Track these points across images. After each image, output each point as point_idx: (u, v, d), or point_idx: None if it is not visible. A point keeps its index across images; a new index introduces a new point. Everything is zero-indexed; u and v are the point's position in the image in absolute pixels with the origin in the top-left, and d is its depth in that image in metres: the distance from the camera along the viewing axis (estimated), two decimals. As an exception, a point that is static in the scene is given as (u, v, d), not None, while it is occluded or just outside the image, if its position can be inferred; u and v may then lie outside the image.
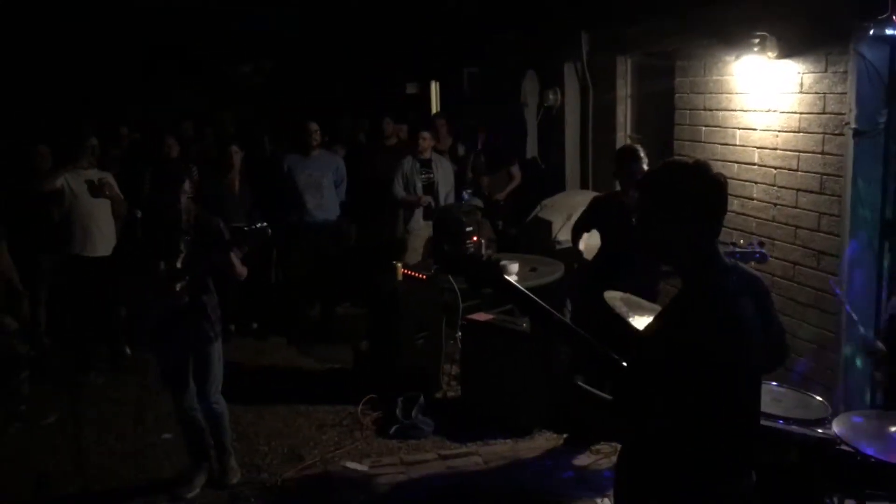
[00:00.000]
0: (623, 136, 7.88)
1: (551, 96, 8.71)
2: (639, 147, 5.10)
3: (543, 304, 2.38)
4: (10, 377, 5.63)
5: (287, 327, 7.43)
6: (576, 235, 5.42)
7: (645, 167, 4.90)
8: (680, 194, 2.18)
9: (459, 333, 5.97)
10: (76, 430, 4.76)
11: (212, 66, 13.06)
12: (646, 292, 4.61)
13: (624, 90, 7.83)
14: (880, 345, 4.09)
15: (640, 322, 4.01)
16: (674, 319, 2.20)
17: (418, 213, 7.54)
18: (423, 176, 7.53)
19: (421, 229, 7.52)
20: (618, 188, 5.37)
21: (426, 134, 7.65)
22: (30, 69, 11.11)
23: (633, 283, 4.42)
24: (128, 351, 6.81)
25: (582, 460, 4.94)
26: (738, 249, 4.68)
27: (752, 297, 2.28)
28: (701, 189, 2.19)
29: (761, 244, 4.67)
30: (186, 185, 4.41)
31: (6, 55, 10.45)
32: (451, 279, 6.01)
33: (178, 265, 4.31)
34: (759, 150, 5.52)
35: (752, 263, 4.51)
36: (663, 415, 2.14)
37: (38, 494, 4.37)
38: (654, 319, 2.30)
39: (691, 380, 2.07)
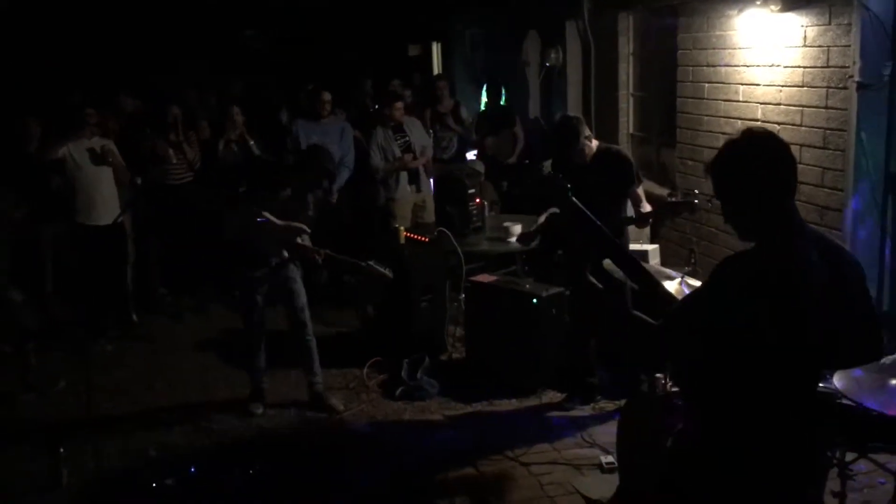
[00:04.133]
0: (626, 95, 7.82)
1: (553, 55, 8.64)
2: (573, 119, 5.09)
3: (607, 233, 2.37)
4: (18, 348, 5.69)
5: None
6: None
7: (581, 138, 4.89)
8: (743, 174, 2.15)
9: (463, 295, 5.99)
10: (88, 397, 4.84)
11: (216, 32, 12.95)
12: None
13: (626, 48, 7.76)
14: None
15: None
16: (727, 275, 2.09)
17: (403, 179, 7.43)
18: (398, 142, 7.41)
19: (407, 195, 7.46)
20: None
21: (399, 104, 7.55)
22: (27, 36, 11.03)
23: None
24: (135, 318, 6.86)
25: (584, 418, 4.99)
26: (670, 200, 4.70)
27: (834, 268, 2.14)
28: (764, 163, 2.14)
29: (690, 193, 4.72)
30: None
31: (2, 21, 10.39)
32: (454, 241, 6.02)
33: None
34: (762, 105, 5.47)
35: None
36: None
37: (56, 472, 4.43)
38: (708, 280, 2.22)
39: (734, 344, 2.00)
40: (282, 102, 8.91)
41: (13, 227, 5.79)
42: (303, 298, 5.24)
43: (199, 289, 7.45)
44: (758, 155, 2.16)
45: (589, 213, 2.44)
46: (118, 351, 6.41)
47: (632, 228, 5.81)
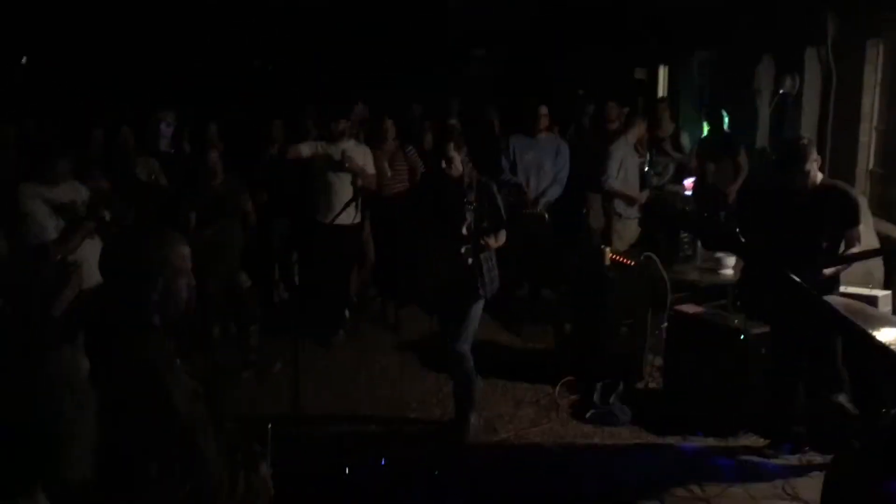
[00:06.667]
0: (868, 128, 7.22)
1: (788, 82, 8.14)
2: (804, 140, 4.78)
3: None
4: (243, 329, 6.23)
5: (493, 304, 7.51)
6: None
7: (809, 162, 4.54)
8: None
9: (666, 324, 5.79)
10: (297, 380, 5.17)
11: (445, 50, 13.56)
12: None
13: (873, 77, 7.16)
14: None
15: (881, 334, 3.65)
16: None
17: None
18: (639, 160, 7.29)
19: (632, 217, 7.29)
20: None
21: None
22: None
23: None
24: (347, 314, 7.22)
25: (787, 468, 4.63)
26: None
27: None
28: None
29: None
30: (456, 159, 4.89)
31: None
32: (662, 268, 5.84)
33: (464, 231, 4.72)
34: None
35: None
36: None
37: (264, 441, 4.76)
38: None
39: None
40: (493, 117, 9.05)
41: (247, 220, 6.36)
42: (469, 325, 5.05)
43: (407, 294, 7.71)
44: None
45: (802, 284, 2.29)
46: (328, 343, 6.78)
47: (862, 271, 5.36)
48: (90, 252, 4.11)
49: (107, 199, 5.05)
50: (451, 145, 4.92)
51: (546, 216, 7.29)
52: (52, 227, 4.47)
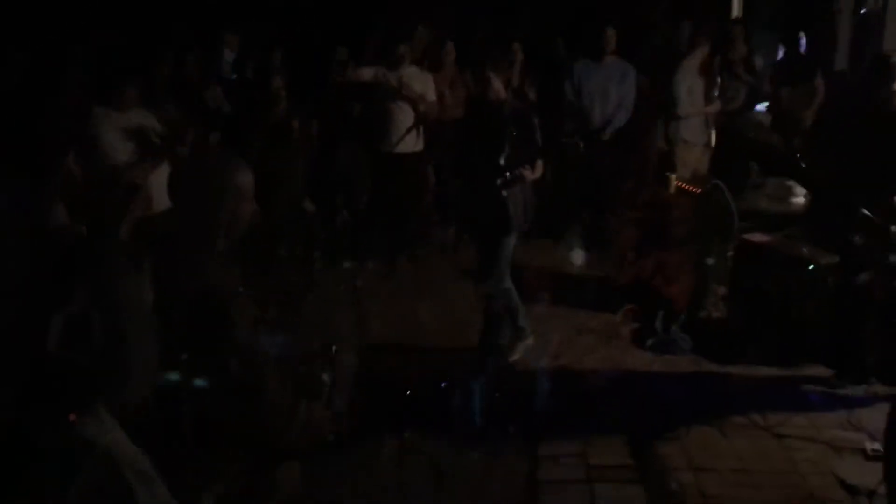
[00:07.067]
0: (957, 48, 6.82)
1: (872, 1, 7.72)
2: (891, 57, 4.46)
3: None
4: (308, 252, 6.36)
5: (557, 230, 7.47)
6: None
7: None
8: None
9: (731, 253, 5.68)
10: (359, 305, 5.31)
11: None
12: None
13: (965, -8, 6.73)
14: None
15: None
16: None
17: (700, 122, 7.09)
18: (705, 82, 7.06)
19: (699, 140, 7.08)
20: None
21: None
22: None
23: None
24: (408, 240, 7.25)
25: (852, 399, 4.57)
26: None
27: None
28: None
29: None
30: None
31: None
32: (729, 196, 5.69)
33: (501, 162, 4.60)
34: None
35: None
36: None
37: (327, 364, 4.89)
38: None
39: None
40: (557, 38, 8.77)
41: (310, 146, 6.41)
42: (497, 261, 4.92)
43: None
44: None
45: None
46: (389, 268, 6.83)
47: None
48: (159, 178, 4.22)
49: (174, 125, 5.14)
50: (488, 68, 4.78)
51: (581, 145, 7.13)
52: (122, 151, 4.56)
